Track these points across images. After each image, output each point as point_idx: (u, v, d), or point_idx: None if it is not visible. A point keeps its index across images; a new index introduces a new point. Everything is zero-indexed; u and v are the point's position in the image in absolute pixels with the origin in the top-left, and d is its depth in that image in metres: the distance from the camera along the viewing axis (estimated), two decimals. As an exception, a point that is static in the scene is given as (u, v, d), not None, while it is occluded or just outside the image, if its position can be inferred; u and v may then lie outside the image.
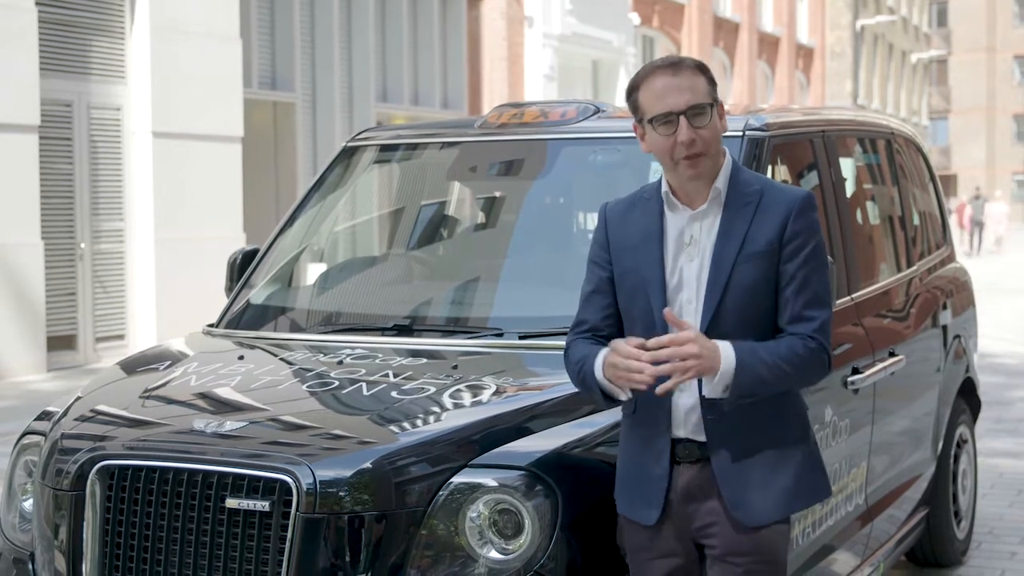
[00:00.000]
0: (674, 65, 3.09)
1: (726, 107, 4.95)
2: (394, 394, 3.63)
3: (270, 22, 16.47)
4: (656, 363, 2.91)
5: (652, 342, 2.93)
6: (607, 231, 3.22)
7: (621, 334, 3.17)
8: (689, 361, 2.91)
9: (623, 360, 2.95)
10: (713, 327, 3.03)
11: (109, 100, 13.44)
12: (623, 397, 3.07)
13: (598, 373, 3.06)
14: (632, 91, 3.13)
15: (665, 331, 3.04)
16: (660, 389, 2.94)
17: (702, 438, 3.08)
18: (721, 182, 3.11)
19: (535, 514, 3.26)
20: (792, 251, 3.07)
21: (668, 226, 3.13)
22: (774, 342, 3.06)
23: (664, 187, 3.15)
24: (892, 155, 5.58)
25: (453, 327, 4.26)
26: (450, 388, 3.66)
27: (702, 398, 3.05)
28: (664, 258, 3.11)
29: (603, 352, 3.06)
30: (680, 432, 3.10)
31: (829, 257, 3.92)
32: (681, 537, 3.14)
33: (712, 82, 3.11)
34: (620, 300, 3.18)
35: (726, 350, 2.97)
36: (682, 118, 3.03)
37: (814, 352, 3.08)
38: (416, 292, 4.68)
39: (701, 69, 3.10)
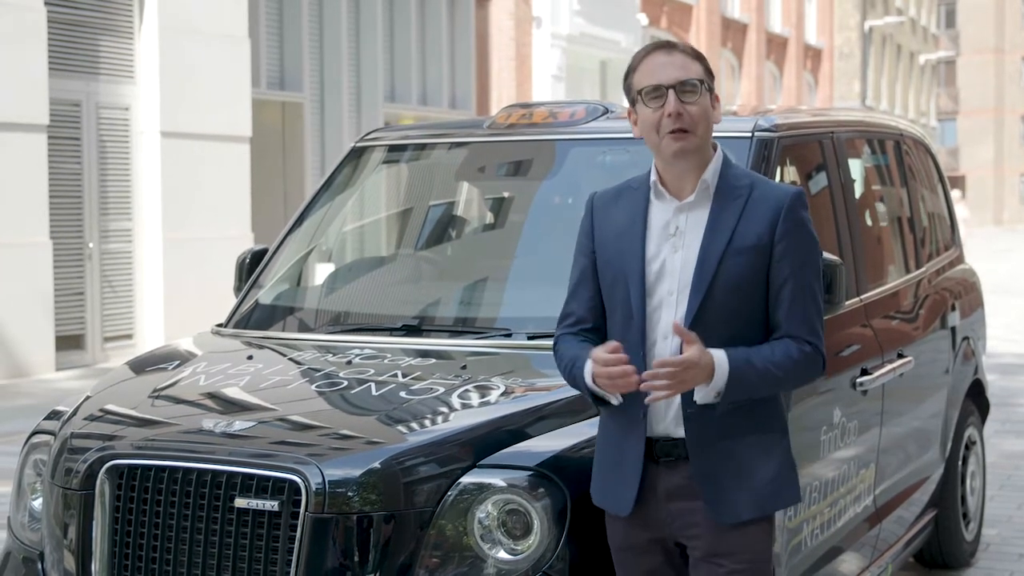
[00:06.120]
0: (670, 46, 3.11)
1: (733, 108, 4.98)
2: (403, 394, 3.63)
3: (278, 22, 16.48)
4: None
5: (659, 362, 2.91)
6: (592, 220, 3.22)
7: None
8: (686, 382, 2.92)
9: (604, 369, 2.95)
10: (697, 321, 3.01)
11: (118, 100, 13.46)
12: (614, 402, 3.06)
13: (588, 379, 3.05)
14: (629, 73, 3.14)
15: (643, 319, 3.05)
16: (650, 399, 2.95)
17: (682, 434, 3.06)
18: (710, 175, 3.08)
19: (544, 514, 3.27)
20: (783, 250, 3.05)
21: (653, 215, 3.11)
22: (768, 346, 3.04)
23: (653, 176, 3.13)
24: (901, 156, 5.57)
25: (462, 327, 4.26)
26: (459, 388, 3.66)
27: (684, 398, 3.03)
28: (646, 248, 3.09)
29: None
30: (658, 428, 3.07)
31: (837, 258, 3.95)
32: (662, 536, 3.12)
33: (708, 71, 3.11)
34: (602, 289, 3.17)
35: (719, 360, 2.95)
36: (671, 91, 3.03)
37: (809, 356, 3.06)
38: (425, 292, 4.68)
39: (697, 56, 3.11)
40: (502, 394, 3.64)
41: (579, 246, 3.24)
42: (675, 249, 3.07)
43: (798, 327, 3.05)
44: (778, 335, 3.06)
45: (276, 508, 3.27)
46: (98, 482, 3.48)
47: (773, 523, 3.18)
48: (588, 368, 3.04)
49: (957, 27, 71.73)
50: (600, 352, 2.97)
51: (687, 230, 3.08)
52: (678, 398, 3.04)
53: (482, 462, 3.35)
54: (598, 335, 3.19)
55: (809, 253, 3.09)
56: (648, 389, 2.92)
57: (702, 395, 2.99)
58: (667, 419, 3.07)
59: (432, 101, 19.25)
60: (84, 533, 3.51)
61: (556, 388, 3.57)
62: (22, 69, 12.05)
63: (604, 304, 3.18)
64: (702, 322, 3.01)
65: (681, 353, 2.95)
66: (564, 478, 3.31)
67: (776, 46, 36.56)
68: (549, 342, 3.87)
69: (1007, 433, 9.03)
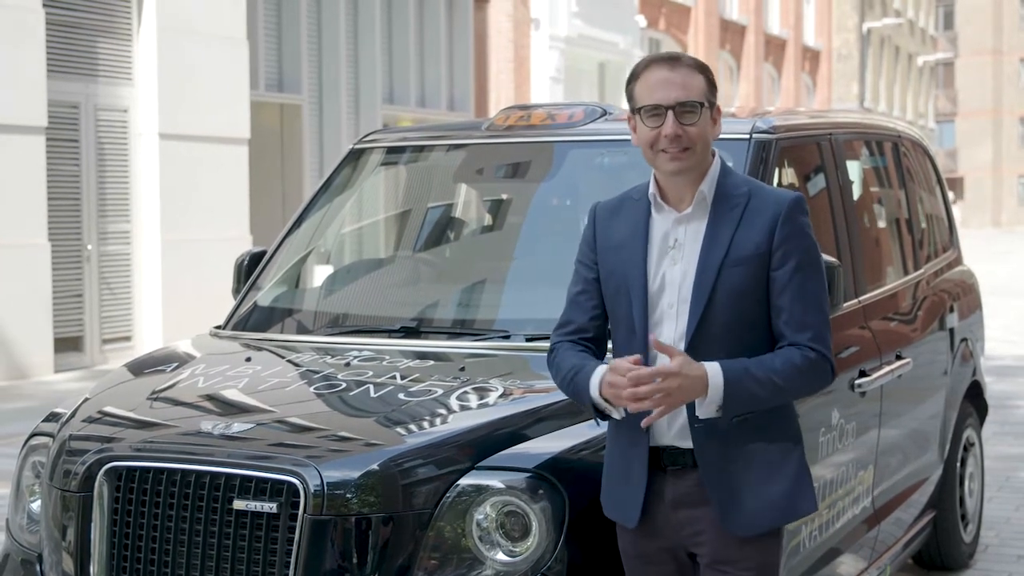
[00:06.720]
0: (673, 60, 3.06)
1: (731, 110, 4.97)
2: (401, 396, 3.63)
3: (277, 24, 16.49)
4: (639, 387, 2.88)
5: (633, 377, 2.86)
6: (595, 231, 3.20)
7: (607, 335, 3.16)
8: (673, 396, 2.87)
9: (618, 378, 2.90)
10: (699, 333, 2.99)
11: (116, 102, 13.45)
12: (617, 416, 3.02)
13: (594, 391, 3.00)
14: (630, 81, 3.11)
15: (645, 333, 3.03)
16: (644, 422, 2.93)
17: (689, 444, 3.04)
18: (707, 186, 3.06)
19: (542, 516, 3.27)
20: (782, 257, 3.01)
21: (653, 228, 3.09)
22: (769, 356, 3.00)
23: (652, 188, 3.11)
24: (899, 158, 5.58)
25: (460, 329, 4.27)
26: (457, 390, 3.66)
27: (690, 413, 3.00)
28: (647, 260, 3.07)
29: (601, 369, 2.99)
30: (664, 440, 3.05)
31: (835, 259, 3.95)
32: (672, 545, 3.11)
33: (712, 84, 3.07)
34: (606, 301, 3.15)
35: (713, 372, 2.91)
36: (670, 112, 3.00)
37: (814, 362, 3.01)
38: (423, 294, 4.68)
39: (701, 68, 3.07)
40: (500, 396, 3.64)
41: (581, 255, 3.22)
42: (674, 261, 3.06)
43: (800, 334, 3.01)
44: (781, 344, 3.03)
45: (274, 510, 3.27)
46: (96, 484, 3.48)
47: (782, 530, 3.18)
48: (597, 378, 2.99)
49: (955, 28, 71.76)
50: (622, 363, 2.90)
51: (686, 242, 3.06)
52: (683, 412, 3.01)
53: (480, 464, 3.34)
54: (597, 346, 3.17)
55: (809, 258, 3.05)
56: (635, 411, 2.89)
57: (702, 410, 2.95)
58: (671, 432, 3.05)
59: (430, 103, 19.25)
60: (82, 535, 3.51)
61: (554, 390, 3.56)
62: (20, 71, 12.04)
63: (607, 316, 3.16)
64: (704, 334, 2.98)
65: None
66: (562, 480, 3.31)
67: (774, 48, 36.57)
68: (547, 344, 3.89)
69: (1005, 435, 9.04)
